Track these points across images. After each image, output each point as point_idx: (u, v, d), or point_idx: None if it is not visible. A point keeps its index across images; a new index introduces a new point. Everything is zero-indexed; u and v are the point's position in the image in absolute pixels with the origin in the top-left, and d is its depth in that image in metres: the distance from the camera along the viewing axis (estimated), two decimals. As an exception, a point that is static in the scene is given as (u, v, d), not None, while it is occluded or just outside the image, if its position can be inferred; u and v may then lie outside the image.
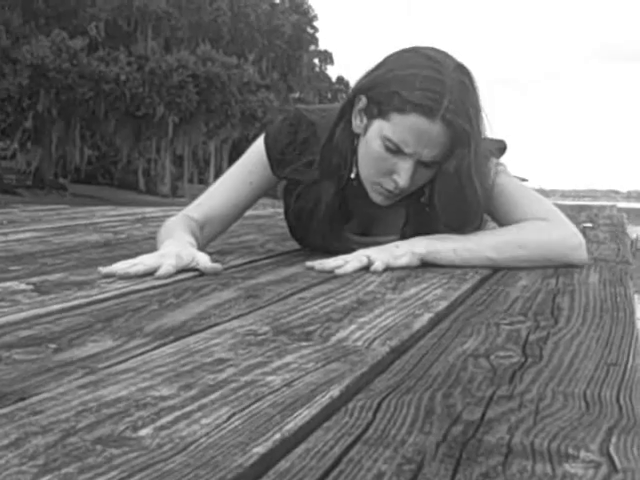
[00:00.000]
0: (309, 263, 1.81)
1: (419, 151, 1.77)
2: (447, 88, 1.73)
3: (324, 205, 1.97)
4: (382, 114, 1.79)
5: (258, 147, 2.06)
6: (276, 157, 2.03)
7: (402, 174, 1.80)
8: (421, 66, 1.77)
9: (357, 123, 1.87)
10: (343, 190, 1.96)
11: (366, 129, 1.83)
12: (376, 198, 1.88)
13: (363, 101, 1.84)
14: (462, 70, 1.79)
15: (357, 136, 1.88)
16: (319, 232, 2.04)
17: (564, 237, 1.90)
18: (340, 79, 45.32)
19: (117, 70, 29.08)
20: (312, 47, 42.20)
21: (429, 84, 1.74)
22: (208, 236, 2.04)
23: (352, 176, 1.91)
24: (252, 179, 2.06)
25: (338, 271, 1.72)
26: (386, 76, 1.81)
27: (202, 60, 30.80)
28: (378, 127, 1.80)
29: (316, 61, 44.30)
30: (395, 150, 1.78)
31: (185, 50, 31.28)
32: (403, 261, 1.83)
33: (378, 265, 1.77)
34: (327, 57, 44.69)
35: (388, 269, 1.77)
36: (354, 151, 1.89)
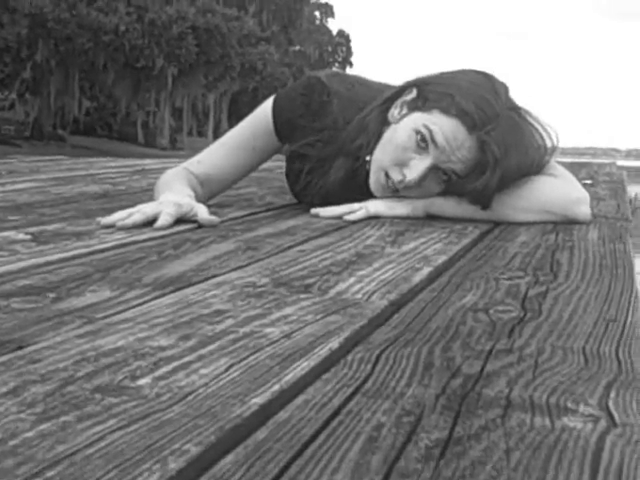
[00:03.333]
0: (314, 210, 1.91)
1: (443, 153, 1.77)
2: (497, 118, 1.76)
3: (330, 180, 1.95)
4: (425, 109, 1.80)
5: (265, 112, 2.02)
6: (284, 126, 1.99)
7: (413, 170, 1.80)
8: (484, 88, 1.80)
9: (395, 112, 1.87)
10: (354, 172, 1.93)
11: (401, 119, 1.84)
12: (374, 186, 1.88)
13: (413, 93, 1.85)
14: (518, 112, 1.82)
15: (388, 124, 1.87)
16: (321, 199, 2.01)
17: (568, 191, 1.90)
18: (341, 32, 44.97)
19: (116, 21, 28.80)
20: (313, -1, 41.85)
21: (484, 104, 1.77)
22: (206, 195, 2.01)
23: (367, 159, 1.89)
24: (256, 144, 2.02)
25: (322, 213, 1.87)
26: (447, 80, 1.84)
27: (202, 12, 30.51)
28: (416, 118, 1.80)
29: (317, 14, 43.93)
30: (423, 142, 1.77)
31: (185, 1, 30.97)
32: (401, 211, 1.84)
33: (360, 214, 1.83)
34: (328, 10, 44.33)
35: (388, 223, 1.77)
36: (379, 137, 1.87)
